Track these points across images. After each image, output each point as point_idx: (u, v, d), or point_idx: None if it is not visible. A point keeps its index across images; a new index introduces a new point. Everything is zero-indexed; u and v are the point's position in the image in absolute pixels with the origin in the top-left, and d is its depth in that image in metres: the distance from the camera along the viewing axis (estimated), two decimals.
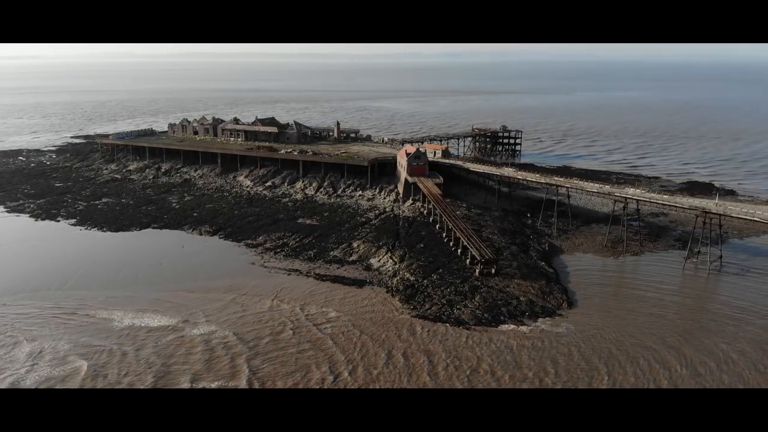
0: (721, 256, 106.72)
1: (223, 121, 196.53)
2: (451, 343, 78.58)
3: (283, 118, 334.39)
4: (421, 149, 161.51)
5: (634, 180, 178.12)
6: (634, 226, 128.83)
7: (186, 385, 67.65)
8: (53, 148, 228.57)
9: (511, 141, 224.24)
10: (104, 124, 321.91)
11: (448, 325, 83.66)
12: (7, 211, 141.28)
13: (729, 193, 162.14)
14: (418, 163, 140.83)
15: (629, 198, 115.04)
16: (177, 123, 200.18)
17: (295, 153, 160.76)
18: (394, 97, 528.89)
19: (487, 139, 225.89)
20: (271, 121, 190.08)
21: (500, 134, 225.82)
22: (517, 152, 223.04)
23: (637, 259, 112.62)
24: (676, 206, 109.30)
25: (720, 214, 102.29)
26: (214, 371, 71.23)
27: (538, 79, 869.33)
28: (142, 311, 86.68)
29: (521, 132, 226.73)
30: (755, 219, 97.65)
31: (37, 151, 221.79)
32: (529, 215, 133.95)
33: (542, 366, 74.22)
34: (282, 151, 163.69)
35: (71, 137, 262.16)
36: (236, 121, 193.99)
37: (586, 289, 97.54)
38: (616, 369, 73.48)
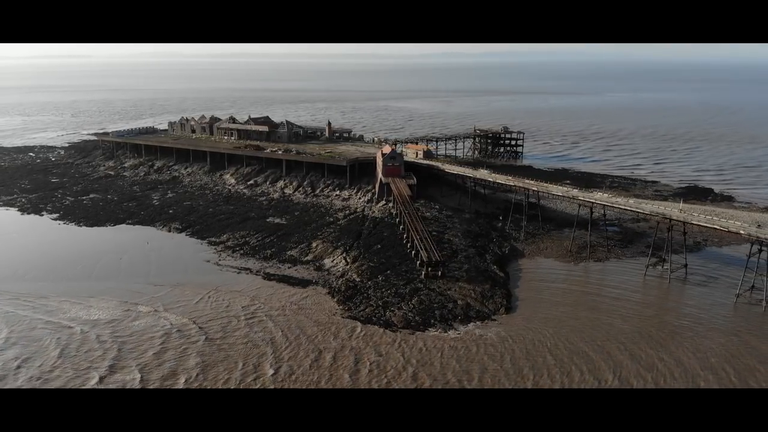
0: (686, 264, 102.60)
1: (220, 119, 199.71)
2: (373, 345, 78.02)
3: (303, 118, 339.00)
4: (404, 150, 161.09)
5: (629, 184, 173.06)
6: (608, 231, 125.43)
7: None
8: (66, 145, 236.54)
9: (513, 142, 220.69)
10: (129, 121, 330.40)
11: (376, 327, 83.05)
12: (0, 205, 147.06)
13: (726, 199, 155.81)
14: (394, 164, 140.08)
15: (595, 203, 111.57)
16: (176, 121, 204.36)
17: (279, 152, 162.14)
18: (420, 97, 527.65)
19: (488, 141, 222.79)
20: (265, 120, 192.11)
21: (501, 135, 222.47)
22: (519, 154, 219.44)
23: (600, 266, 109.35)
24: (637, 212, 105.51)
25: (681, 221, 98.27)
26: (105, 365, 72.55)
27: (573, 80, 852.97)
28: (77, 302, 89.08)
29: (523, 133, 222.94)
30: (715, 227, 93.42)
31: (49, 147, 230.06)
32: (501, 218, 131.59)
33: (466, 370, 73.12)
34: (267, 150, 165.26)
35: (88, 134, 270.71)
36: (232, 120, 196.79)
37: (534, 294, 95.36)
38: (543, 376, 71.68)
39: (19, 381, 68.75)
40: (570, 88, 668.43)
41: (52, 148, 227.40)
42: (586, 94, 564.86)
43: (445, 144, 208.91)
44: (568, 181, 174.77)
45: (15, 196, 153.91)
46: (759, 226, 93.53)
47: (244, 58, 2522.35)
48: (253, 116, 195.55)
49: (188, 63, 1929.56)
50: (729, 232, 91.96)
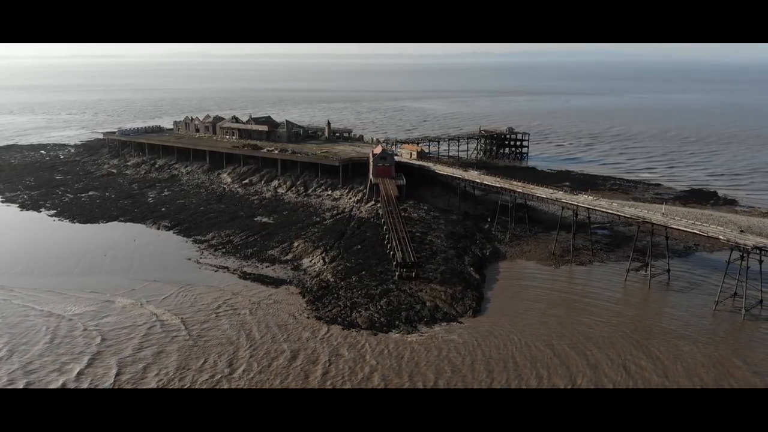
0: (668, 270, 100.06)
1: (223, 119, 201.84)
2: (333, 346, 77.87)
3: (317, 118, 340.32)
4: (399, 150, 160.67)
5: (630, 187, 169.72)
6: (597, 235, 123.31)
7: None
8: (79, 143, 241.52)
9: (518, 143, 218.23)
10: (147, 120, 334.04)
11: (340, 327, 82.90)
12: (2, 201, 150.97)
13: (729, 203, 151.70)
14: (384, 164, 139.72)
15: (578, 205, 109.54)
16: (181, 120, 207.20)
17: (275, 152, 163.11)
18: (440, 97, 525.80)
19: (493, 142, 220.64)
20: (266, 120, 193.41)
21: (506, 136, 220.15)
22: (524, 155, 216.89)
23: (581, 269, 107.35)
24: (618, 215, 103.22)
25: (661, 225, 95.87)
26: (71, 356, 73.73)
27: (602, 80, 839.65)
28: (55, 295, 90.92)
29: (528, 134, 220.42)
30: (694, 231, 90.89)
31: (61, 145, 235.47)
32: (489, 220, 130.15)
33: (422, 372, 72.61)
34: (264, 150, 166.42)
35: (103, 133, 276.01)
36: (235, 119, 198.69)
37: (506, 297, 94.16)
38: (501, 380, 70.77)
39: None
40: (593, 88, 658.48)
41: (63, 146, 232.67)
42: (608, 95, 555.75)
43: (449, 145, 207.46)
44: (567, 183, 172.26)
45: (18, 192, 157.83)
46: (741, 231, 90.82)
47: (271, 59, 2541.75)
48: (255, 116, 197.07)
49: (216, 63, 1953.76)
50: (708, 237, 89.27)
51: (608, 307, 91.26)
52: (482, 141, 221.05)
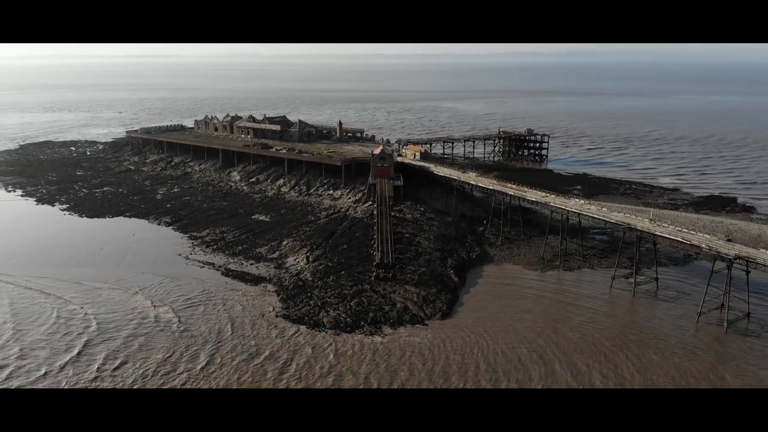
0: (657, 278, 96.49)
1: (240, 118, 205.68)
2: (293, 344, 78.53)
3: (348, 118, 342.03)
4: (404, 151, 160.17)
5: (645, 192, 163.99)
6: (594, 240, 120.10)
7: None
8: (109, 140, 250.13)
9: (537, 145, 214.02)
10: (183, 118, 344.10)
11: (305, 326, 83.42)
12: (22, 195, 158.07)
13: (746, 210, 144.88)
14: (383, 165, 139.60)
15: (569, 210, 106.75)
16: (201, 119, 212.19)
17: (283, 151, 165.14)
18: (476, 97, 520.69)
19: (512, 143, 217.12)
20: (281, 120, 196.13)
21: (525, 138, 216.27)
22: (544, 157, 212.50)
23: (569, 275, 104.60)
24: (604, 220, 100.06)
25: (645, 231, 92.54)
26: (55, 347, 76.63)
27: (649, 81, 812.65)
28: (45, 284, 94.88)
29: (548, 136, 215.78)
30: (677, 239, 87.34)
31: (91, 142, 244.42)
32: (485, 222, 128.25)
33: (380, 373, 72.58)
34: (273, 149, 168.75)
35: (126, 131, 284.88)
36: (252, 119, 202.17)
37: (481, 301, 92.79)
38: (458, 385, 69.92)
39: None
40: (638, 89, 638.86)
41: (94, 143, 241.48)
42: (652, 96, 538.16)
43: (464, 146, 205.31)
44: (578, 187, 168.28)
45: (38, 187, 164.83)
46: (729, 240, 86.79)
47: (318, 60, 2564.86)
48: (269, 116, 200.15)
49: (264, 63, 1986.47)
50: (691, 245, 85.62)
51: (587, 314, 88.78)
52: (500, 142, 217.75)
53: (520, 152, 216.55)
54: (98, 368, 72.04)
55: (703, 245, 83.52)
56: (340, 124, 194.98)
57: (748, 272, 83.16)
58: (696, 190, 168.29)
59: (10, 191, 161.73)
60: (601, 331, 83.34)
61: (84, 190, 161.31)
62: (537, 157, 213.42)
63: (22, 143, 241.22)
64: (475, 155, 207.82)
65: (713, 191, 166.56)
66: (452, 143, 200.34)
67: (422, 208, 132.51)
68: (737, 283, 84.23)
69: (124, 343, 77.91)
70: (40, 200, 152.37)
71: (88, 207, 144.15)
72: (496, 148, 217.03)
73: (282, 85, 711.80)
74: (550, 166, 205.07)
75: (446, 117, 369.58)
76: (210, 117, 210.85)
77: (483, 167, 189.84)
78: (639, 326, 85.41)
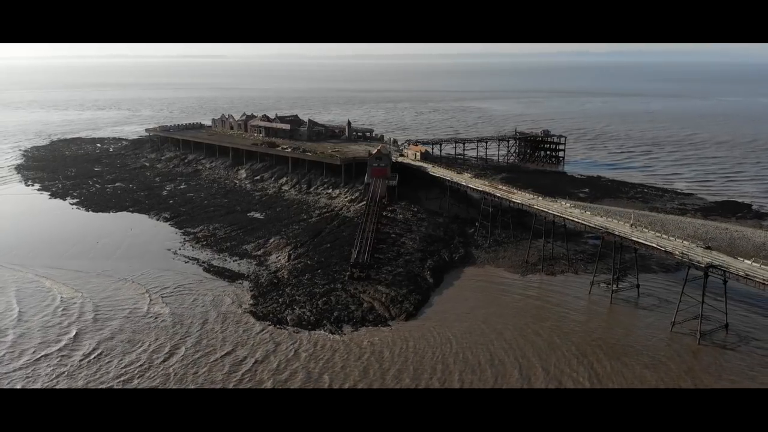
0: (638, 285, 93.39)
1: (255, 116, 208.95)
2: (251, 341, 79.55)
3: (376, 118, 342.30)
4: (406, 151, 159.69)
5: (656, 196, 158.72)
6: (587, 244, 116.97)
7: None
8: (135, 137, 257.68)
9: (553, 147, 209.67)
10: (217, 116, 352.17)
11: (267, 323, 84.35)
12: (39, 189, 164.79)
13: (758, 217, 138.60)
14: (379, 165, 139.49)
15: (554, 214, 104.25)
16: (218, 118, 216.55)
17: (288, 150, 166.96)
18: (510, 97, 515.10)
19: (527, 144, 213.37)
20: (292, 119, 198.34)
21: (541, 139, 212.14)
22: (560, 159, 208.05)
23: (549, 279, 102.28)
24: (583, 223, 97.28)
25: (623, 237, 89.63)
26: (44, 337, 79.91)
27: (695, 82, 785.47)
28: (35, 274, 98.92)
29: (564, 137, 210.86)
30: (652, 244, 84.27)
31: (117, 139, 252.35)
32: (477, 224, 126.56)
33: (334, 370, 73.02)
34: (279, 148, 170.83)
35: (146, 128, 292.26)
36: (266, 118, 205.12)
37: (452, 303, 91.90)
38: (410, 385, 69.60)
39: None
40: (680, 90, 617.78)
41: (119, 140, 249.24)
42: (695, 98, 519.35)
43: (477, 147, 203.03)
44: (586, 190, 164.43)
45: (56, 182, 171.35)
46: (708, 247, 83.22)
47: (365, 60, 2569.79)
48: (281, 114, 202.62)
49: (308, 64, 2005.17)
50: (665, 251, 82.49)
51: (557, 320, 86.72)
52: (515, 144, 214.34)
53: (536, 154, 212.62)
54: (60, 351, 74.70)
55: (677, 252, 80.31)
56: (349, 123, 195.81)
57: (725, 281, 79.54)
58: (714, 196, 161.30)
59: (28, 185, 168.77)
60: (569, 336, 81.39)
61: (97, 185, 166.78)
62: (553, 159, 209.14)
63: (54, 139, 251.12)
64: (490, 156, 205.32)
65: (730, 196, 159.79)
66: (463, 144, 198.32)
67: (415, 209, 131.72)
68: (719, 292, 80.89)
69: (96, 328, 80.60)
70: (54, 194, 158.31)
71: (96, 202, 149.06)
72: (511, 150, 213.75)
73: (319, 86, 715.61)
74: (566, 169, 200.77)
75: (474, 117, 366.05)
76: (227, 116, 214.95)
77: (495, 169, 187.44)
78: (608, 333, 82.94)
